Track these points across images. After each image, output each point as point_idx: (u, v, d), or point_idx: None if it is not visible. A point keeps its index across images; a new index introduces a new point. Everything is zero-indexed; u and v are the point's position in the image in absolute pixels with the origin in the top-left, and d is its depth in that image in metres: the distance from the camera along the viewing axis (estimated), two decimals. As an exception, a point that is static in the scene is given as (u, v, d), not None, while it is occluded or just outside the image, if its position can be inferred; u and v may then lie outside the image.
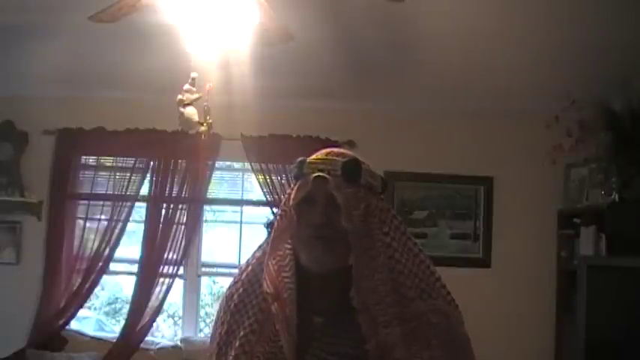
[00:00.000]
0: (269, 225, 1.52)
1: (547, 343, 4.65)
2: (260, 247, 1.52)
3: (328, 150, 1.48)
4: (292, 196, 1.44)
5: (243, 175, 5.10)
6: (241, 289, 1.49)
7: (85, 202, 4.77)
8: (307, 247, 1.40)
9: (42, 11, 3.63)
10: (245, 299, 1.47)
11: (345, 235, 1.38)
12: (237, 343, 1.43)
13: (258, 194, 4.94)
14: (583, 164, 4.46)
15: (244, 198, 5.08)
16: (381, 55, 4.16)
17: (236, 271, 5.28)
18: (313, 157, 1.46)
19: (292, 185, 1.47)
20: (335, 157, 1.44)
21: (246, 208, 5.12)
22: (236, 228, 5.11)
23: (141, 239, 4.78)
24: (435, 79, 4.28)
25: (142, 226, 4.81)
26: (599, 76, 3.99)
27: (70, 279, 4.64)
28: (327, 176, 1.40)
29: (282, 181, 4.73)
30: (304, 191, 1.42)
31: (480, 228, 4.87)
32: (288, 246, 1.44)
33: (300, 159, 1.46)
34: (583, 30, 3.78)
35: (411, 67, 4.22)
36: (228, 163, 5.04)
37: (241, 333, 1.44)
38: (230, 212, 5.32)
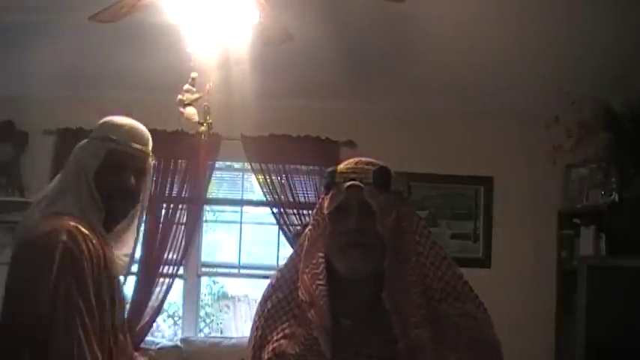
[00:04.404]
0: (296, 236, 1.56)
1: (547, 343, 4.65)
2: (291, 256, 1.57)
3: (357, 159, 1.52)
4: (325, 205, 1.47)
5: (243, 175, 5.10)
6: (274, 296, 1.54)
7: (85, 202, 4.77)
8: (343, 255, 1.44)
9: (42, 11, 3.63)
10: (277, 305, 1.52)
11: (379, 241, 1.42)
12: (270, 347, 1.48)
13: (258, 194, 4.94)
14: (583, 164, 4.47)
15: (244, 198, 5.08)
16: (381, 55, 4.16)
17: (236, 270, 5.29)
18: (343, 166, 1.50)
19: (322, 195, 1.51)
20: (365, 166, 1.48)
21: (246, 208, 5.12)
22: (236, 228, 5.12)
23: (141, 239, 4.77)
24: (434, 79, 4.28)
25: (142, 226, 4.80)
26: (599, 76, 3.99)
27: (70, 279, 4.63)
28: (360, 184, 1.44)
29: (282, 181, 4.74)
30: (338, 200, 1.45)
31: (479, 228, 4.87)
32: (321, 254, 1.47)
33: (330, 169, 1.51)
34: (583, 30, 3.78)
35: (411, 68, 4.22)
36: (228, 163, 5.04)
37: (274, 337, 1.48)
38: (230, 212, 5.32)
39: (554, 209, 4.76)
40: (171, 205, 4.73)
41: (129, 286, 5.00)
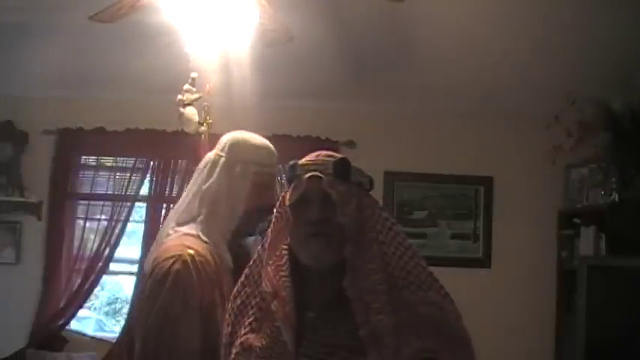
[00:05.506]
0: (261, 232, 1.57)
1: (547, 343, 4.65)
2: (257, 252, 1.58)
3: (317, 153, 1.55)
4: (287, 197, 1.50)
5: (243, 175, 5.09)
6: (242, 292, 1.56)
7: (85, 202, 4.77)
8: (306, 245, 1.46)
9: (42, 11, 3.63)
10: (245, 300, 1.54)
11: (341, 231, 1.44)
12: (238, 342, 1.50)
13: (258, 194, 4.93)
14: (583, 164, 4.46)
15: (244, 198, 5.07)
16: (381, 55, 4.16)
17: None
18: (304, 160, 1.53)
19: (286, 188, 1.53)
20: (325, 158, 1.51)
21: (246, 208, 5.11)
22: (236, 228, 5.11)
23: (141, 239, 4.78)
24: (435, 79, 4.28)
25: (141, 226, 4.81)
26: (599, 76, 3.99)
27: (70, 279, 4.64)
28: (321, 175, 1.46)
29: (282, 181, 4.72)
30: (299, 191, 1.47)
31: (479, 228, 4.86)
32: (284, 246, 1.50)
33: (291, 162, 1.53)
34: (583, 30, 3.78)
35: (411, 67, 4.22)
36: (228, 163, 5.03)
37: (242, 331, 1.51)
38: (230, 212, 5.31)
39: (554, 209, 4.75)
40: (171, 205, 4.70)
41: (129, 286, 5.01)
